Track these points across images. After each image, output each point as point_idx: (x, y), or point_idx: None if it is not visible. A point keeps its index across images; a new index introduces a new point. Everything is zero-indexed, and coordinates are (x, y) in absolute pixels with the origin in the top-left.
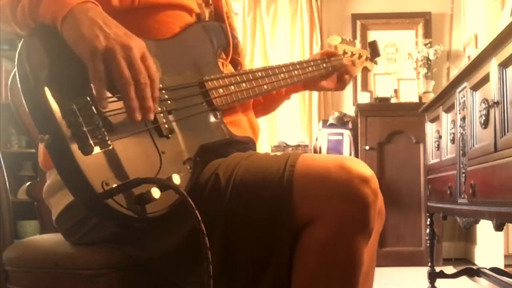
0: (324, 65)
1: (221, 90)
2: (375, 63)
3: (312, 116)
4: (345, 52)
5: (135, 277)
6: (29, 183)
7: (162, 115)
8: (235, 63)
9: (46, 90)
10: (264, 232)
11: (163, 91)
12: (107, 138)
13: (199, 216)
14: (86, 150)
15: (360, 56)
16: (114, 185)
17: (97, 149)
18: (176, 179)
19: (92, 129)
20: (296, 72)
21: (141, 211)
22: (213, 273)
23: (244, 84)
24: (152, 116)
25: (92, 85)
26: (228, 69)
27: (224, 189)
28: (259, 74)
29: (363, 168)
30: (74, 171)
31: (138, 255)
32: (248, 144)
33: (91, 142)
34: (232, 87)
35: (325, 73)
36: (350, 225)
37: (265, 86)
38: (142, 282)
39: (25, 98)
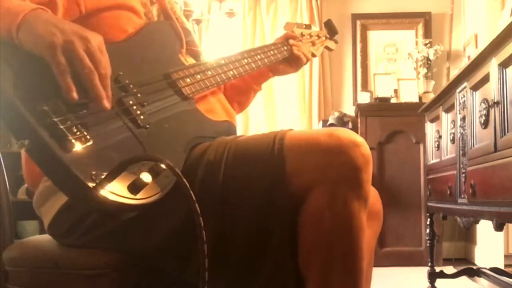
0: (285, 47)
1: (188, 79)
2: (336, 41)
3: (312, 116)
4: (302, 35)
5: (135, 277)
6: None
7: (135, 107)
8: (195, 54)
9: (15, 99)
10: (261, 209)
11: (131, 86)
12: (85, 133)
13: (193, 195)
14: (67, 146)
15: (319, 37)
16: (103, 176)
17: (78, 145)
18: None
19: (69, 126)
20: (258, 56)
21: (136, 198)
22: (210, 256)
23: (209, 72)
24: (109, 105)
25: (58, 81)
26: (190, 61)
27: (217, 171)
28: (222, 61)
29: (352, 135)
30: (61, 170)
31: (133, 250)
32: (228, 127)
33: (70, 138)
34: (198, 76)
35: (287, 55)
36: (344, 189)
37: (231, 72)
38: (142, 282)
39: None
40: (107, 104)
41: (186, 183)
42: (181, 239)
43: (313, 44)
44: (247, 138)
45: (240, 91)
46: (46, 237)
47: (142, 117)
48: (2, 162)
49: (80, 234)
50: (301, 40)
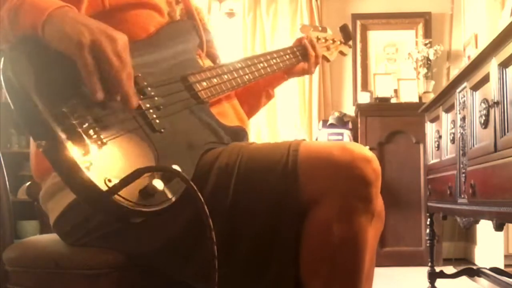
0: (299, 52)
1: (204, 83)
2: (350, 46)
3: (312, 116)
4: (318, 38)
5: (135, 277)
6: (29, 183)
7: (151, 111)
8: (213, 57)
9: (35, 98)
10: (270, 218)
11: (149, 88)
12: (102, 137)
13: (202, 199)
14: (83, 150)
15: (334, 41)
16: (117, 181)
17: (94, 148)
18: (176, 169)
19: (86, 128)
20: (274, 60)
21: (147, 204)
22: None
23: (225, 76)
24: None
25: (84, 80)
26: (207, 63)
27: (229, 178)
28: (239, 65)
29: (364, 150)
30: (75, 172)
31: (136, 251)
32: (240, 133)
33: (87, 141)
34: (215, 80)
35: (301, 58)
36: (353, 203)
37: (247, 76)
38: (142, 282)
39: (16, 109)
40: (134, 102)
41: (200, 195)
42: (184, 242)
43: (328, 48)
44: (260, 146)
45: (251, 93)
46: (46, 237)
47: (157, 121)
48: (2, 162)
49: (85, 233)
50: (316, 43)
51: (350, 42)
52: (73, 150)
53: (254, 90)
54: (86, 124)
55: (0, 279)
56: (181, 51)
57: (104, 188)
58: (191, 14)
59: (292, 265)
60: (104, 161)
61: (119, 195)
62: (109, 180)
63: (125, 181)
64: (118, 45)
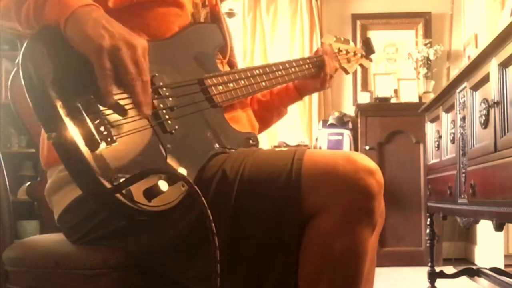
0: (317, 62)
1: (220, 87)
2: (370, 60)
3: (312, 116)
4: (340, 50)
5: (135, 277)
6: (29, 183)
7: (164, 111)
8: (231, 65)
9: (51, 89)
10: (272, 227)
11: (164, 89)
12: (112, 134)
13: (205, 203)
14: (93, 145)
15: (355, 54)
16: (122, 179)
17: (103, 145)
18: (183, 171)
19: (97, 125)
20: (293, 69)
21: (150, 204)
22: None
23: (242, 82)
24: (150, 112)
25: (98, 82)
26: (225, 69)
27: (231, 184)
28: (257, 71)
29: (368, 162)
30: (83, 167)
31: (138, 251)
32: (251, 139)
33: (97, 137)
34: (231, 84)
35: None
36: (356, 215)
37: (263, 83)
38: (142, 282)
39: (30, 97)
40: (147, 111)
41: (204, 200)
42: (187, 245)
43: (349, 61)
44: (265, 153)
45: (266, 107)
46: (46, 237)
47: (169, 122)
48: (2, 162)
49: (88, 230)
50: (337, 55)
51: (377, 59)
52: (82, 145)
53: (268, 104)
54: (98, 121)
55: (0, 279)
56: (201, 53)
57: (109, 185)
58: (217, 19)
59: (293, 273)
60: (112, 158)
61: (123, 194)
62: (115, 178)
63: (130, 181)
64: (137, 52)
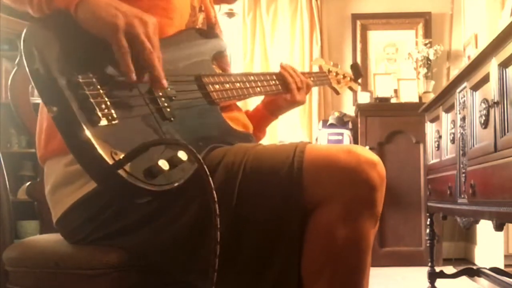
0: (312, 79)
1: (217, 86)
2: (359, 84)
3: (312, 116)
4: (330, 71)
5: (135, 277)
6: (29, 183)
7: (163, 99)
8: (224, 72)
9: (52, 63)
10: (274, 219)
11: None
12: (113, 112)
13: (212, 183)
14: (94, 120)
15: (344, 77)
16: (122, 155)
17: (104, 121)
18: (183, 155)
19: (98, 101)
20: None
21: (152, 182)
22: (219, 261)
23: (238, 84)
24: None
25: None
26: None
27: (234, 177)
28: (252, 78)
29: (370, 154)
30: (83, 142)
31: (139, 250)
32: (247, 137)
33: (98, 113)
34: (228, 85)
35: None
36: (358, 207)
37: (258, 89)
38: (142, 282)
39: (30, 71)
40: (165, 83)
41: (206, 169)
42: (187, 241)
43: (339, 82)
44: (266, 147)
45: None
46: (46, 237)
47: (168, 109)
48: (2, 162)
49: (89, 232)
50: (327, 74)
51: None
52: (83, 119)
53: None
54: (99, 98)
55: (0, 279)
56: (197, 54)
57: (110, 161)
58: (211, 25)
59: (295, 265)
60: (113, 135)
61: (124, 170)
62: (115, 154)
63: (131, 155)
64: (149, 28)
